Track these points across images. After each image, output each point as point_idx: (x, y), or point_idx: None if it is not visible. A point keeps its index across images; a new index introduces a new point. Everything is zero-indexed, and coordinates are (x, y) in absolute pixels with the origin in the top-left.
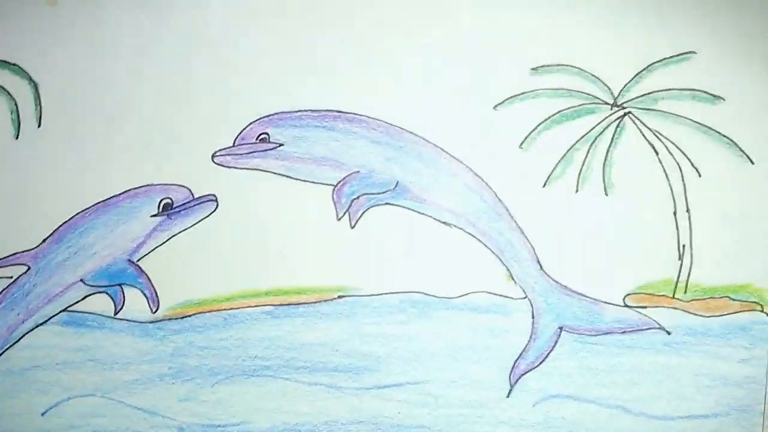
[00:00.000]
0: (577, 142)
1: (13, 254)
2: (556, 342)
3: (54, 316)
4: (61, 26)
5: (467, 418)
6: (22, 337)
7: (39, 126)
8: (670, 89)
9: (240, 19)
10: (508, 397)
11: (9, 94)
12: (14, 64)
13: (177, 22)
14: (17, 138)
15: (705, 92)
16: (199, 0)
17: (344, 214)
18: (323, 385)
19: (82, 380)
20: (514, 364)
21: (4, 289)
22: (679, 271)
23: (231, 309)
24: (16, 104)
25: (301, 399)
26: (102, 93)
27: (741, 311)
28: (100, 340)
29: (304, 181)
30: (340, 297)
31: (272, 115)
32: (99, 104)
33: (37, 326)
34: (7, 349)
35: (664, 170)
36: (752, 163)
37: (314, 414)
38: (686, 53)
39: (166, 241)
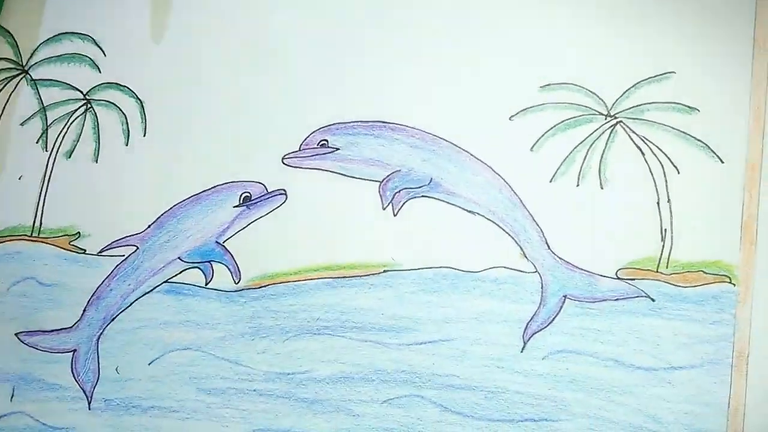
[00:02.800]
0: (577, 145)
1: (125, 237)
2: (561, 308)
3: (157, 286)
4: (162, 55)
5: (489, 369)
6: (132, 303)
7: (144, 135)
8: (654, 102)
9: (306, 48)
10: (521, 352)
11: (120, 109)
12: (124, 86)
13: (258, 52)
14: (127, 145)
15: (682, 104)
16: (276, 33)
17: (388, 204)
18: (372, 342)
19: (180, 337)
20: (527, 325)
21: (117, 265)
22: (662, 250)
23: (297, 281)
24: (126, 118)
25: (354, 353)
26: (194, 108)
27: (713, 282)
28: (193, 306)
29: (356, 178)
30: (384, 271)
31: (330, 125)
32: (192, 117)
33: (144, 294)
34: (120, 312)
35: (649, 168)
36: (722, 162)
37: (365, 365)
38: (667, 72)
39: (246, 226)
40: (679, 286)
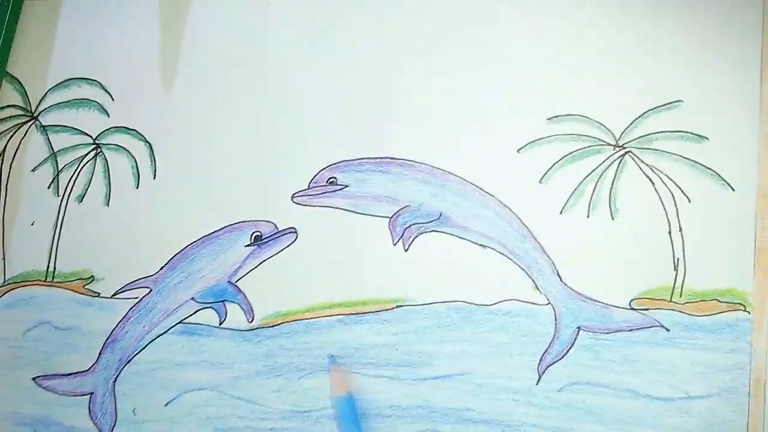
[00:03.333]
0: (586, 177)
1: (138, 279)
2: (575, 339)
3: (171, 327)
4: (171, 98)
5: (504, 402)
6: (147, 345)
7: (154, 178)
8: (662, 131)
9: (314, 86)
10: (537, 384)
11: (129, 153)
12: (133, 129)
13: (262, 97)
14: (137, 188)
15: (691, 133)
16: (284, 71)
17: (399, 239)
18: (387, 377)
19: (195, 377)
20: (541, 357)
21: (131, 308)
22: (675, 280)
23: (311, 318)
24: (135, 161)
25: (370, 388)
26: (203, 149)
27: (727, 311)
28: (208, 345)
29: (366, 214)
30: (398, 307)
31: (338, 162)
32: (201, 158)
33: (159, 336)
34: (135, 354)
35: (660, 198)
36: (733, 189)
37: (380, 400)
38: (675, 101)
39: (258, 265)
40: (694, 315)
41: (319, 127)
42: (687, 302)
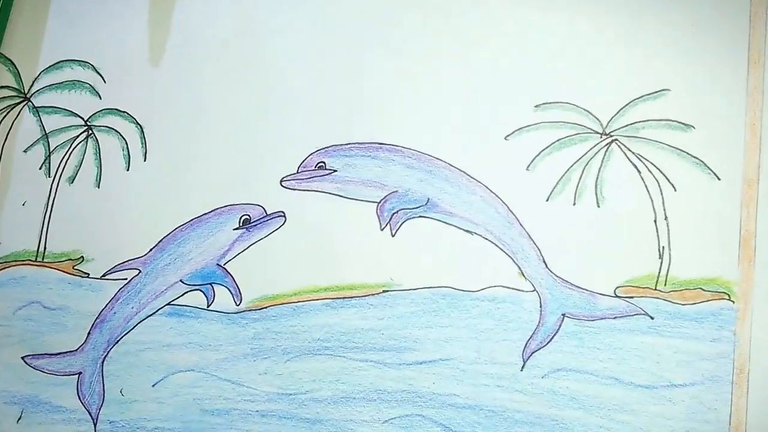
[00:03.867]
0: (573, 164)
1: (127, 261)
2: (560, 326)
3: (160, 309)
4: (161, 80)
5: (488, 388)
6: (135, 326)
7: (145, 160)
8: (649, 120)
9: (304, 72)
10: (521, 370)
11: (121, 135)
12: (124, 111)
13: (256, 76)
14: (128, 170)
15: (678, 122)
16: (274, 56)
17: (386, 225)
18: (372, 362)
19: (182, 359)
20: (526, 344)
21: (120, 289)
22: (660, 268)
23: (298, 302)
24: (126, 143)
25: (355, 373)
26: (194, 133)
27: (711, 300)
28: (196, 327)
29: (354, 199)
30: (384, 291)
31: (327, 147)
32: (191, 142)
33: (147, 317)
34: (124, 335)
35: (646, 186)
36: (719, 179)
37: (366, 385)
38: (662, 90)
39: (246, 248)
40: (678, 303)
41: (309, 111)
42: (671, 291)
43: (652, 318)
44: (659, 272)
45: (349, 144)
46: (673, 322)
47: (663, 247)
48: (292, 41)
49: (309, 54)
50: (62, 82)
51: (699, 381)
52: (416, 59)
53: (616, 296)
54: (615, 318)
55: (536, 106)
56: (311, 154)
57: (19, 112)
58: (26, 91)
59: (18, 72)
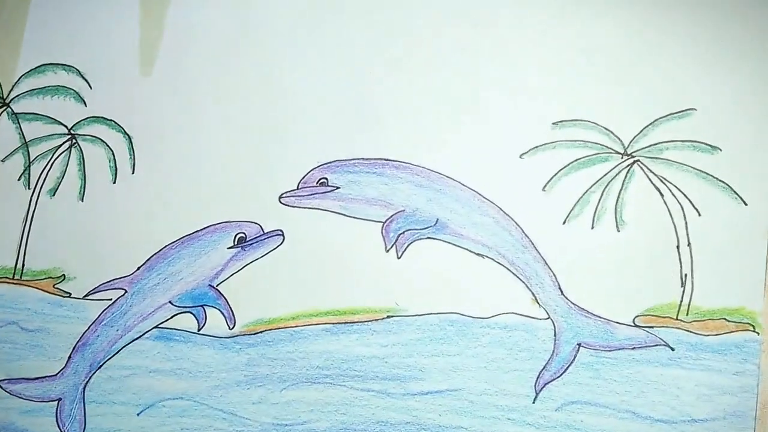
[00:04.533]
0: (592, 185)
1: (112, 280)
2: (575, 356)
3: (147, 332)
4: (152, 90)
5: (498, 421)
6: (120, 350)
7: (133, 173)
8: (673, 140)
9: (301, 83)
10: (533, 402)
11: (107, 145)
12: (111, 120)
13: (250, 89)
14: (114, 183)
15: (704, 143)
16: (274, 65)
17: (392, 246)
18: (375, 392)
19: (171, 386)
20: (539, 374)
21: (104, 310)
22: (682, 296)
23: (296, 326)
24: (113, 154)
25: (356, 403)
26: (186, 144)
27: (735, 331)
28: (185, 353)
29: (357, 218)
30: (388, 317)
31: (330, 162)
32: (183, 154)
33: (133, 341)
34: (108, 359)
35: (669, 210)
36: (745, 204)
37: (367, 416)
38: (687, 110)
39: (241, 269)
40: (700, 334)
41: (310, 124)
42: (694, 321)
43: (672, 349)
44: (681, 301)
45: (353, 159)
46: (694, 353)
47: (685, 274)
48: (295, 50)
49: (311, 61)
50: (44, 87)
51: (721, 416)
52: (426, 71)
53: (635, 326)
54: (633, 348)
55: (553, 124)
56: (312, 169)
57: None
58: (4, 96)
59: None
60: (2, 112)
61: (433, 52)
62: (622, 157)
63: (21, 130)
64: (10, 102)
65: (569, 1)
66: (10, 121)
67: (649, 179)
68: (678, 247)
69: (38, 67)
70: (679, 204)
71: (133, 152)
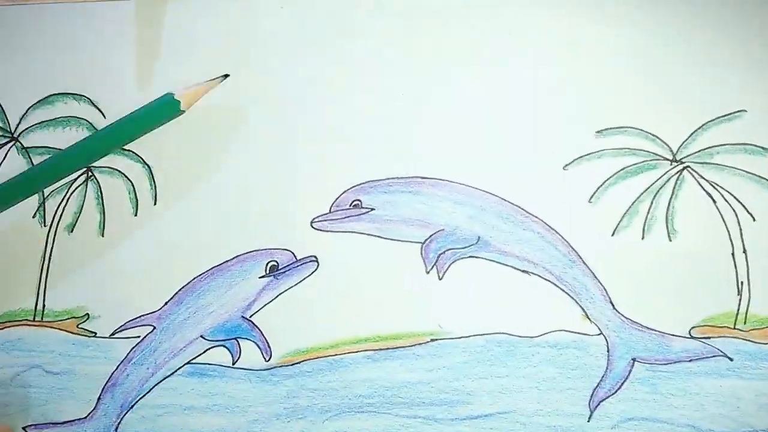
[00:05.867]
0: (641, 195)
1: (139, 316)
2: (630, 372)
3: (179, 368)
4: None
5: None
6: (152, 389)
7: (155, 204)
8: (723, 144)
9: (333, 98)
10: (588, 421)
11: (126, 176)
12: (129, 150)
13: (282, 104)
14: (136, 215)
15: (755, 145)
16: (300, 81)
17: (432, 267)
18: (421, 418)
19: (207, 423)
20: (593, 392)
21: (133, 348)
22: (738, 305)
23: (335, 355)
24: (133, 185)
25: (402, 431)
26: (209, 171)
27: None
28: (221, 387)
29: (395, 240)
30: (432, 340)
31: (363, 183)
32: (207, 181)
33: (165, 378)
34: (139, 399)
35: (722, 216)
36: None
37: None
38: (737, 111)
39: (275, 298)
40: (760, 342)
41: (341, 143)
42: (752, 329)
43: (731, 359)
44: (738, 310)
45: (387, 179)
46: (754, 363)
47: (742, 282)
48: (322, 64)
49: (340, 78)
50: (55, 119)
51: None
52: (461, 82)
53: (692, 337)
54: (691, 361)
55: (598, 132)
56: (345, 191)
57: (6, 154)
58: (13, 130)
59: (2, 108)
60: (11, 146)
61: (469, 62)
62: (671, 164)
63: (32, 164)
64: (18, 136)
65: (611, 6)
66: (20, 155)
67: (700, 185)
68: (733, 254)
69: (47, 97)
70: (733, 209)
71: (154, 182)
